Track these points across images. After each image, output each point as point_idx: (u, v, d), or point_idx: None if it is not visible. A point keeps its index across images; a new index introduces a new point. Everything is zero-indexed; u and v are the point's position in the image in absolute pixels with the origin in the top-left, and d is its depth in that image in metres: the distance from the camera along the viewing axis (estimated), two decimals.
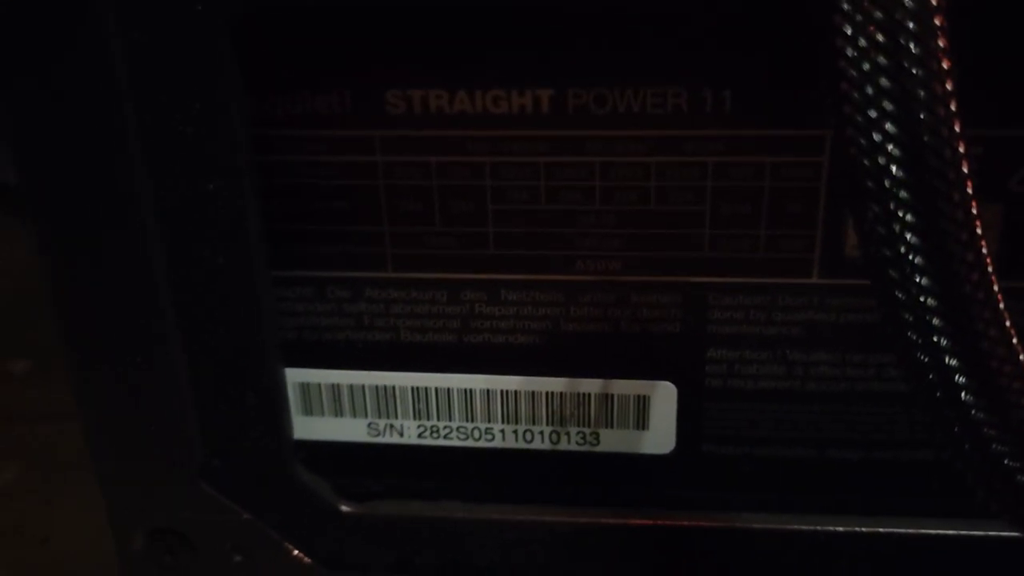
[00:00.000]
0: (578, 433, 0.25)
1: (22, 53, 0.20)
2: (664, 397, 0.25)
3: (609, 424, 0.25)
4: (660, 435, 0.25)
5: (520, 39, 0.21)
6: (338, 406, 0.25)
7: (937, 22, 0.16)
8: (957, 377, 0.17)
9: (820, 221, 0.22)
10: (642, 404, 0.25)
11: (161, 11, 0.20)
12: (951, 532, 0.24)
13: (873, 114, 0.16)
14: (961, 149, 0.17)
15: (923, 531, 0.24)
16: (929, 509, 0.24)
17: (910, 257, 0.17)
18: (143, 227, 0.22)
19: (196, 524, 0.24)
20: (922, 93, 0.16)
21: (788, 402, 0.24)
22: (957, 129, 0.16)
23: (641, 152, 0.22)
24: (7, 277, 0.49)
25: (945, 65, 0.16)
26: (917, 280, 0.17)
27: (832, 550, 0.25)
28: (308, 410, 0.26)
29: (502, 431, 0.25)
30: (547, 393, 0.25)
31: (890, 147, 0.16)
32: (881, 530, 0.24)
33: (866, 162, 0.17)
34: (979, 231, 0.17)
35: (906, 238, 0.17)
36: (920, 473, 0.24)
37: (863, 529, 0.24)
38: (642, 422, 0.25)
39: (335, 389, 0.25)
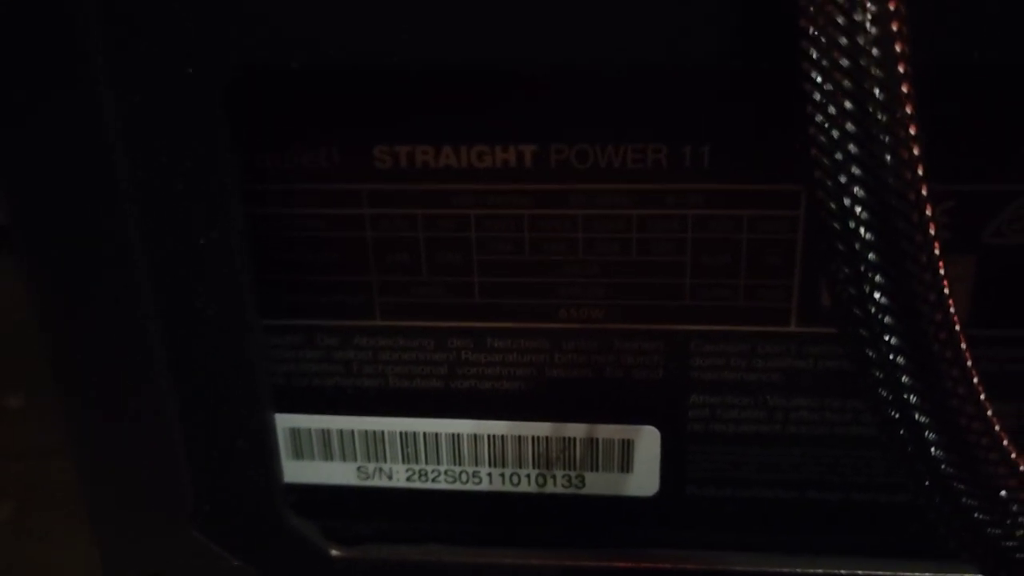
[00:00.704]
0: (564, 476, 0.26)
1: (17, 108, 0.21)
2: (648, 441, 0.25)
3: (594, 467, 0.26)
4: (644, 478, 0.26)
5: (503, 97, 0.22)
6: (328, 450, 0.26)
7: (904, 89, 0.17)
8: (927, 433, 0.18)
9: (797, 272, 0.23)
10: (626, 448, 0.25)
11: (153, 74, 0.20)
12: (927, 574, 0.24)
13: (842, 179, 0.17)
14: (928, 212, 0.17)
15: (900, 573, 0.25)
16: (907, 551, 0.25)
17: (879, 317, 0.17)
18: (135, 278, 0.22)
19: (188, 570, 0.25)
20: (889, 159, 0.17)
21: (769, 445, 0.25)
22: (924, 192, 0.17)
23: (623, 205, 0.23)
24: (1, 309, 0.49)
25: (912, 131, 0.17)
26: (887, 339, 0.17)
27: None
28: (298, 454, 0.26)
29: (489, 475, 0.26)
30: (533, 437, 0.25)
31: (859, 211, 0.17)
32: (860, 572, 0.25)
33: (836, 225, 0.17)
34: (946, 291, 0.17)
35: (875, 299, 0.17)
36: (898, 515, 0.25)
37: (843, 571, 0.25)
38: (626, 465, 0.25)
39: (325, 434, 0.26)
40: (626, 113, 0.22)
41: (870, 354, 0.17)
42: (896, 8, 0.16)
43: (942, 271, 0.17)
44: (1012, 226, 0.22)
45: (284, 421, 0.26)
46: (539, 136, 0.22)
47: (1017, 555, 0.18)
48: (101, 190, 0.21)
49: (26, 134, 0.21)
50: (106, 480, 0.24)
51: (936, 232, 0.17)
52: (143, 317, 0.23)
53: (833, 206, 0.17)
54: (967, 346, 0.18)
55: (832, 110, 0.17)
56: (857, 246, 0.17)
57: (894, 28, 0.17)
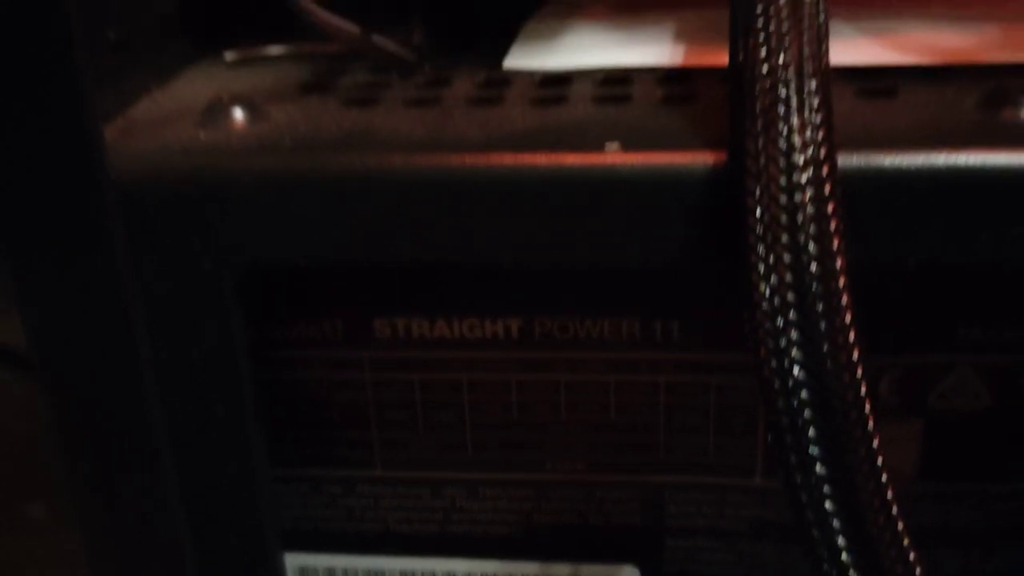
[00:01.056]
0: None
1: (53, 294, 0.23)
2: None
3: None
4: None
5: (491, 277, 0.24)
6: None
7: (840, 283, 0.19)
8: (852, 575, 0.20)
9: (760, 432, 0.25)
10: None
11: (174, 267, 0.23)
12: None
13: (785, 362, 0.19)
14: (864, 395, 0.19)
15: None
16: None
17: (818, 482, 0.19)
18: (155, 441, 0.24)
19: None
20: (826, 344, 0.19)
21: None
22: (859, 374, 0.19)
23: (600, 371, 0.25)
24: (22, 419, 0.51)
25: (847, 319, 0.19)
26: (824, 504, 0.19)
27: None
28: None
29: None
30: (522, 575, 0.27)
31: (802, 393, 0.19)
32: None
33: (780, 403, 0.19)
34: (879, 461, 0.19)
35: (815, 470, 0.19)
36: None
37: None
38: None
39: (330, 571, 0.28)
40: (602, 292, 0.24)
41: (803, 498, 0.19)
42: (834, 211, 0.19)
43: (876, 444, 0.19)
44: (955, 392, 0.24)
45: (293, 560, 0.28)
46: (524, 310, 0.24)
47: None
48: (125, 369, 0.23)
49: (58, 314, 0.23)
50: None
51: (870, 408, 0.19)
52: (163, 472, 0.25)
53: (776, 384, 0.19)
54: (899, 509, 0.19)
55: (776, 301, 0.19)
56: (799, 422, 0.19)
57: (832, 227, 0.19)
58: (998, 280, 0.23)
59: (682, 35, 0.27)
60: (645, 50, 0.26)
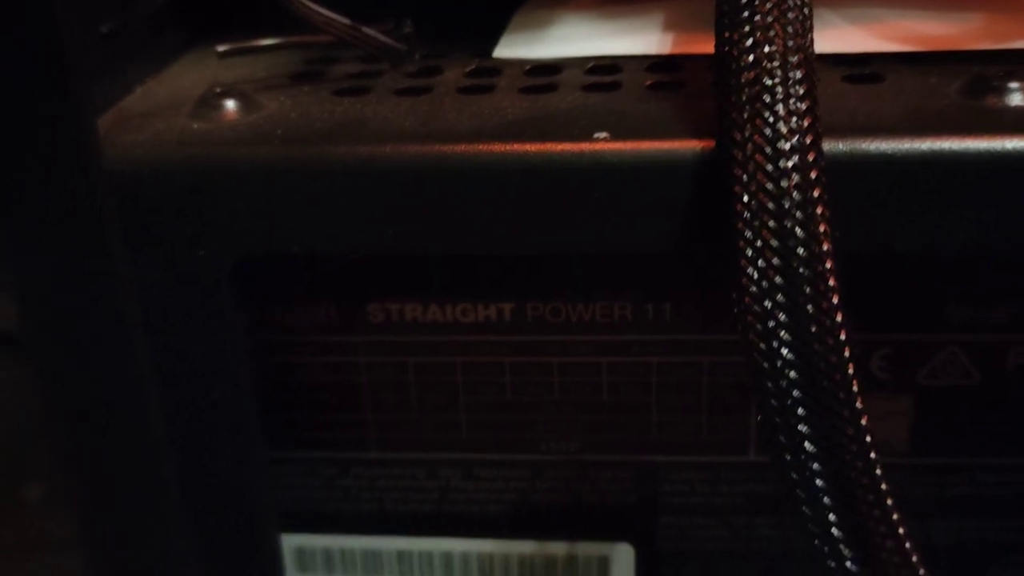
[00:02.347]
0: None
1: (49, 280, 0.23)
2: (623, 557, 0.27)
3: None
4: None
5: (484, 262, 0.24)
6: (330, 566, 0.28)
7: (827, 265, 0.19)
8: (844, 551, 0.20)
9: (753, 408, 0.25)
10: (603, 563, 0.28)
11: (169, 254, 0.23)
12: None
13: (775, 343, 0.19)
14: (850, 369, 0.19)
15: None
16: None
17: (803, 447, 0.20)
18: (152, 427, 0.25)
19: None
20: (813, 319, 0.19)
21: (734, 560, 0.27)
22: (846, 354, 0.19)
23: (593, 353, 0.25)
24: (20, 400, 0.51)
25: (834, 300, 0.19)
26: (810, 467, 0.20)
27: None
28: (303, 569, 0.28)
29: None
30: (518, 554, 0.28)
31: (788, 371, 0.19)
32: None
33: (769, 384, 0.20)
34: (864, 424, 0.20)
35: (799, 431, 0.20)
36: None
37: None
38: None
39: (327, 552, 0.28)
40: (594, 276, 0.24)
41: (794, 476, 0.20)
42: (820, 196, 0.19)
43: (864, 422, 0.20)
44: (944, 370, 0.25)
45: (290, 540, 0.28)
46: (516, 295, 0.25)
47: None
48: (121, 351, 0.24)
49: (54, 302, 0.23)
50: None
51: (858, 388, 0.19)
52: (160, 457, 0.25)
53: (765, 365, 0.19)
54: (889, 485, 0.20)
55: (764, 284, 0.19)
56: (788, 402, 0.19)
57: (818, 212, 0.19)
58: (983, 261, 0.23)
59: (669, 25, 0.27)
60: (633, 39, 0.27)
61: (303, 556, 0.28)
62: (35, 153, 0.21)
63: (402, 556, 0.28)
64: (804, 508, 0.20)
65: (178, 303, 0.23)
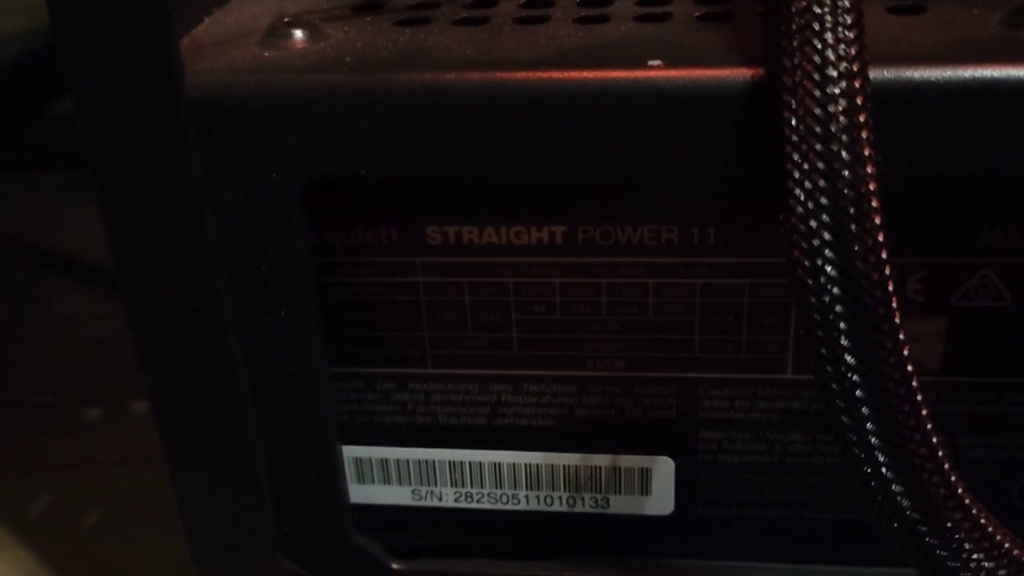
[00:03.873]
0: (591, 498, 0.30)
1: (133, 203, 0.24)
2: (663, 469, 0.29)
3: (617, 491, 0.29)
4: (661, 500, 0.29)
5: (538, 188, 0.26)
6: (387, 476, 0.30)
7: (871, 187, 0.20)
8: (885, 471, 0.21)
9: (792, 328, 0.27)
10: (645, 475, 0.29)
11: (243, 176, 0.24)
12: None
13: (819, 261, 0.20)
14: (891, 287, 0.21)
15: None
16: (889, 561, 0.29)
17: (846, 371, 0.21)
18: (226, 340, 0.26)
19: None
20: (857, 243, 0.20)
21: (769, 473, 0.29)
22: (887, 272, 0.21)
23: (640, 275, 0.26)
24: (79, 323, 0.53)
25: (877, 221, 0.20)
26: (853, 391, 0.21)
27: None
28: (361, 479, 0.30)
29: (526, 496, 0.30)
30: (564, 466, 0.29)
31: (831, 287, 0.20)
32: None
33: (812, 299, 0.21)
34: (906, 352, 0.21)
35: (843, 358, 0.21)
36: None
37: None
38: (645, 489, 0.29)
39: (384, 463, 0.30)
40: (642, 201, 0.25)
41: (834, 387, 0.21)
42: (865, 121, 0.20)
43: (902, 337, 0.21)
44: (977, 292, 0.26)
45: (349, 452, 0.30)
46: (568, 218, 0.26)
47: (961, 574, 0.22)
48: (200, 269, 0.25)
49: (138, 222, 0.25)
50: (202, 510, 0.28)
51: (897, 305, 0.21)
52: (233, 371, 0.27)
53: (810, 282, 0.21)
54: (924, 398, 0.21)
55: (810, 205, 0.20)
56: (830, 317, 0.21)
57: (863, 136, 0.20)
58: (1019, 186, 0.24)
59: None
60: None
61: (361, 466, 0.30)
62: (123, 80, 0.23)
63: (454, 467, 0.30)
64: (843, 417, 0.21)
65: (251, 224, 0.25)
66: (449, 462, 0.30)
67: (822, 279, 0.21)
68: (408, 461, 0.30)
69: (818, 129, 0.20)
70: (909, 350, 0.21)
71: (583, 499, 0.30)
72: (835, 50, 0.20)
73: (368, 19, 0.26)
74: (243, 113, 0.23)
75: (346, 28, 0.25)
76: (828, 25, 0.20)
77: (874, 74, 0.21)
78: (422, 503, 0.30)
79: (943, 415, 0.27)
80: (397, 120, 0.23)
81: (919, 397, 0.21)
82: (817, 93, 0.20)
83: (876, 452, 0.21)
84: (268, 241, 0.25)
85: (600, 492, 0.30)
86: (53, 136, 0.62)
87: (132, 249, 0.25)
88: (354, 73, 0.23)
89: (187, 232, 0.24)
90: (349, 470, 0.30)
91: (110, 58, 0.22)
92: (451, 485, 0.30)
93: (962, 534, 0.22)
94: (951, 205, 0.25)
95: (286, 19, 0.25)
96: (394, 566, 0.30)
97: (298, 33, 0.24)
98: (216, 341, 0.26)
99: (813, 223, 0.20)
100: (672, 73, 0.22)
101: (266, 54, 0.24)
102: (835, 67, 0.20)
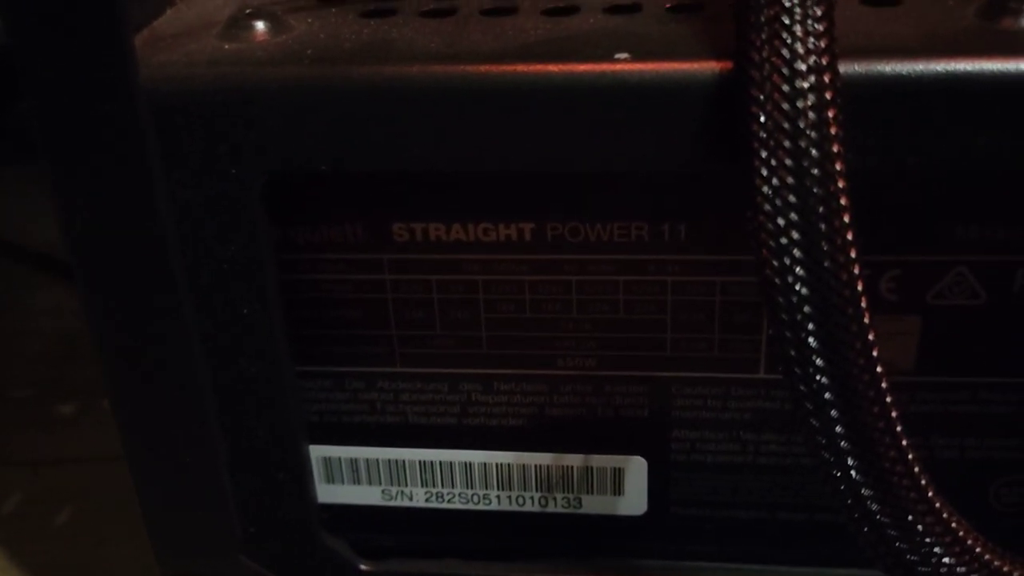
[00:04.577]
0: (563, 498, 0.29)
1: (88, 200, 0.24)
2: (636, 469, 0.29)
3: (590, 491, 0.29)
4: (634, 499, 0.29)
5: (506, 184, 0.25)
6: (356, 475, 0.30)
7: (840, 185, 0.20)
8: (852, 471, 0.21)
9: (764, 327, 0.26)
10: (617, 474, 0.29)
11: (202, 173, 0.24)
12: None
13: (786, 260, 0.20)
14: (860, 286, 0.20)
15: None
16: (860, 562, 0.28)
17: (814, 367, 0.20)
18: (187, 341, 0.26)
19: None
20: (825, 241, 0.20)
21: (742, 473, 0.28)
22: (856, 271, 0.20)
23: (610, 272, 0.26)
24: (55, 318, 0.53)
25: (846, 219, 0.20)
26: (820, 390, 0.21)
27: None
28: (330, 479, 0.30)
29: (497, 496, 0.29)
30: (536, 465, 0.29)
31: (799, 287, 0.20)
32: None
33: (780, 299, 0.20)
34: (873, 352, 0.20)
35: (811, 357, 0.20)
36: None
37: None
38: (618, 489, 0.29)
39: (353, 462, 0.29)
40: (612, 197, 0.25)
41: (803, 389, 0.21)
42: (835, 117, 0.20)
43: (872, 338, 0.20)
44: (951, 290, 0.25)
45: (317, 451, 0.29)
46: (536, 215, 0.25)
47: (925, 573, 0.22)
48: (160, 266, 0.25)
49: (94, 219, 0.24)
50: (164, 511, 0.28)
51: (867, 305, 0.20)
52: (195, 370, 0.26)
53: (777, 281, 0.20)
54: (894, 400, 0.21)
55: (778, 202, 0.20)
56: (798, 317, 0.20)
57: (833, 132, 0.20)
58: (994, 182, 0.24)
59: None
60: None
61: (330, 466, 0.29)
62: (77, 73, 0.22)
63: (424, 467, 0.29)
64: (812, 420, 0.21)
65: (211, 219, 0.24)
66: (419, 462, 0.29)
67: (790, 278, 0.20)
68: (378, 461, 0.29)
69: (786, 125, 0.20)
70: (879, 351, 0.21)
71: (555, 499, 0.29)
72: (804, 43, 0.20)
73: (333, 10, 0.25)
74: (201, 106, 0.23)
75: (309, 20, 0.25)
76: (797, 18, 0.20)
77: (845, 68, 0.20)
78: (392, 503, 0.30)
79: (918, 415, 0.27)
80: (359, 114, 0.23)
81: (889, 399, 0.21)
82: (785, 88, 0.20)
83: (845, 455, 0.21)
84: (229, 238, 0.24)
85: (572, 492, 0.29)
86: (28, 128, 0.61)
87: (89, 246, 0.24)
88: (315, 66, 0.23)
89: (145, 229, 0.24)
90: (318, 470, 0.29)
91: (62, 49, 0.22)
92: (421, 485, 0.30)
93: (933, 538, 0.21)
94: (924, 202, 0.24)
95: (248, 11, 0.24)
96: (363, 567, 0.30)
97: (259, 25, 0.24)
98: (177, 339, 0.25)
99: (781, 221, 0.20)
100: (639, 66, 0.22)
101: (226, 46, 0.24)
102: (804, 61, 0.20)
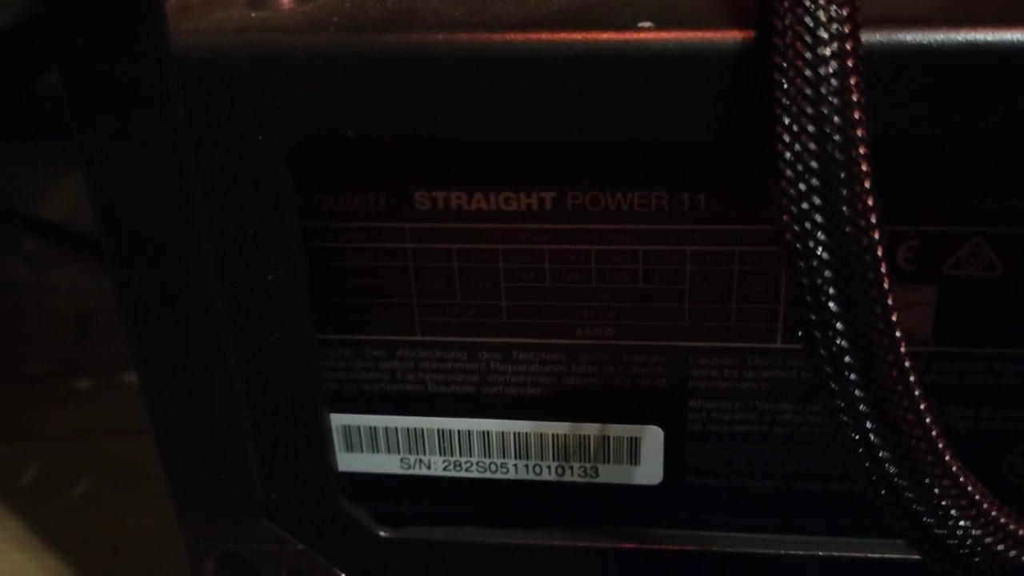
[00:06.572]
0: (580, 467, 0.30)
1: (116, 167, 0.24)
2: (652, 438, 0.29)
3: (606, 460, 0.29)
4: (650, 469, 0.29)
5: (527, 153, 0.25)
6: (375, 444, 0.30)
7: (861, 151, 0.20)
8: (873, 438, 0.21)
9: (782, 297, 0.26)
10: (634, 444, 0.29)
11: (229, 139, 0.24)
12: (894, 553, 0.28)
13: (807, 225, 0.20)
14: (879, 253, 0.20)
15: (870, 554, 0.28)
16: (877, 531, 0.29)
17: (834, 337, 0.21)
18: (213, 306, 0.26)
19: (259, 553, 0.29)
20: (846, 209, 0.20)
21: (757, 443, 0.29)
22: (876, 236, 0.20)
23: (629, 242, 0.26)
24: (71, 296, 0.53)
25: (867, 184, 0.20)
26: (841, 357, 0.21)
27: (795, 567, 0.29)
28: (350, 447, 0.30)
29: (515, 465, 0.30)
30: (553, 434, 0.29)
31: (820, 251, 0.20)
32: (835, 553, 0.29)
33: (801, 264, 0.20)
34: (893, 317, 0.21)
35: (832, 323, 0.21)
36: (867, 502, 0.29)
37: (821, 552, 0.29)
38: (634, 458, 0.29)
39: (372, 431, 0.30)
40: (632, 166, 0.25)
41: (822, 353, 0.21)
42: (856, 84, 0.20)
43: (891, 302, 0.21)
44: (968, 261, 0.26)
45: (338, 420, 0.30)
46: (557, 184, 0.26)
47: (948, 542, 0.22)
48: (186, 233, 0.25)
49: (122, 186, 0.24)
50: (188, 477, 0.28)
51: (886, 270, 0.21)
52: (219, 337, 0.26)
53: (798, 246, 0.21)
54: (912, 364, 0.21)
55: (800, 168, 0.20)
56: (818, 281, 0.21)
57: (854, 99, 0.20)
58: (1013, 153, 0.24)
59: None
60: None
61: (350, 434, 0.30)
62: (107, 41, 0.22)
63: (443, 435, 0.30)
64: (831, 383, 0.21)
65: (237, 187, 0.24)
66: (438, 430, 0.30)
67: (811, 243, 0.20)
68: (397, 429, 0.30)
69: (808, 91, 0.20)
70: (898, 316, 0.21)
71: (572, 468, 0.30)
72: (827, 11, 0.20)
73: None
74: (229, 74, 0.23)
75: None
76: None
77: (867, 36, 0.21)
78: (411, 471, 0.30)
79: (933, 385, 0.27)
80: (384, 81, 0.23)
81: (907, 363, 0.21)
82: (808, 55, 0.20)
83: (864, 418, 0.21)
84: (255, 204, 0.25)
85: (589, 461, 0.30)
86: (46, 107, 0.62)
87: (116, 213, 0.24)
88: (341, 34, 0.23)
89: (173, 195, 0.24)
90: (337, 438, 0.30)
91: (93, 17, 0.22)
92: (440, 454, 0.30)
93: (949, 501, 0.22)
94: (943, 172, 0.24)
95: None
96: (382, 534, 0.30)
97: None
98: (203, 306, 0.26)
99: (802, 186, 0.20)
100: (662, 35, 0.22)
101: (253, 14, 0.24)
102: (827, 28, 0.20)
